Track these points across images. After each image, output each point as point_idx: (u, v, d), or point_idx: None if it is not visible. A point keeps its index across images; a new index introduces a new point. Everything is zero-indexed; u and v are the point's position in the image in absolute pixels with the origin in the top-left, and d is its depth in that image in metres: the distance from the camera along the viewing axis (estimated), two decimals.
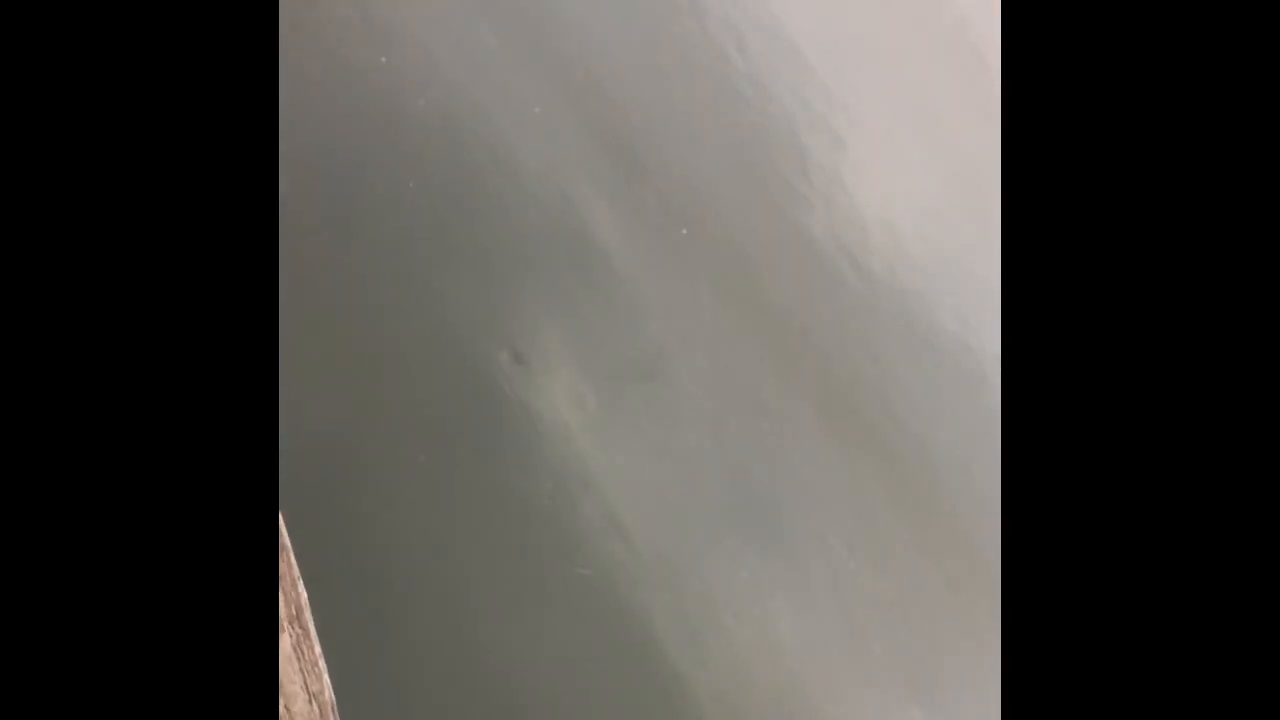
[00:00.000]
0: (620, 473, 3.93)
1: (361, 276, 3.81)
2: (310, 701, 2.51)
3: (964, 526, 4.75)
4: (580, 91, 4.68)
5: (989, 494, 4.87)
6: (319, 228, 3.76)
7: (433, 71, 4.20)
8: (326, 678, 2.54)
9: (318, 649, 2.56)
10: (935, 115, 6.38)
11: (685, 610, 3.81)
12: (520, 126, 4.42)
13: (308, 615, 2.55)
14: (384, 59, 3.98)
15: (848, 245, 5.23)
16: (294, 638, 2.46)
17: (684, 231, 4.58)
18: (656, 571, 3.82)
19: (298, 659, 2.46)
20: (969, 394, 5.20)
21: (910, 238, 5.54)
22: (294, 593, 2.53)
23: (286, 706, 2.39)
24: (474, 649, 3.41)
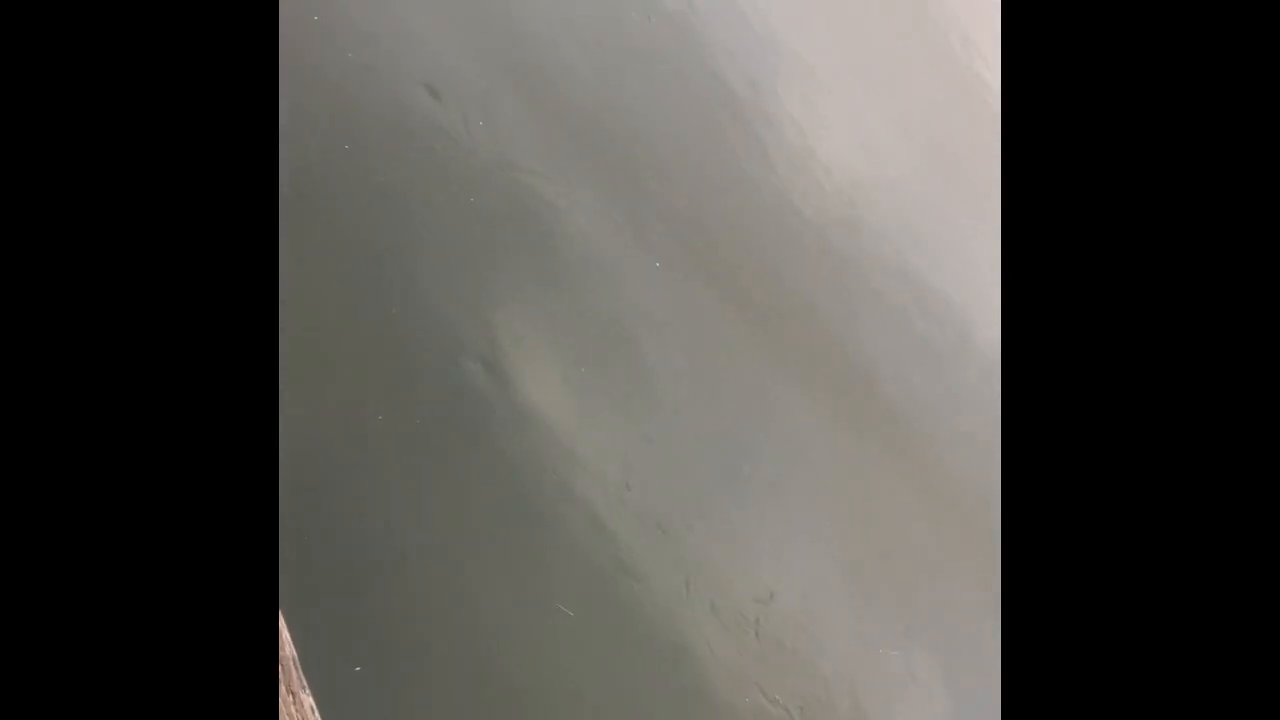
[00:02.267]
0: (605, 451, 3.88)
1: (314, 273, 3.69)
2: None
3: (942, 466, 4.88)
4: (528, 71, 4.59)
5: (963, 435, 5.00)
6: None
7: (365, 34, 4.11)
8: (286, 633, 2.60)
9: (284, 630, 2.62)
10: (896, 81, 6.41)
11: (684, 577, 3.79)
12: (461, 104, 4.34)
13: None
14: (316, 17, 3.90)
15: (803, 204, 5.26)
16: None
17: (657, 265, 4.52)
18: (649, 541, 3.79)
19: None
20: (939, 344, 5.31)
21: (867, 195, 5.59)
22: None
23: None
24: (466, 629, 3.35)
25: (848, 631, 4.12)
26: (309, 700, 2.59)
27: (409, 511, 3.41)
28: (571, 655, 3.46)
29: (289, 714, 2.54)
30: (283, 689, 2.54)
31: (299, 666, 2.59)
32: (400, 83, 4.11)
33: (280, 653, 2.52)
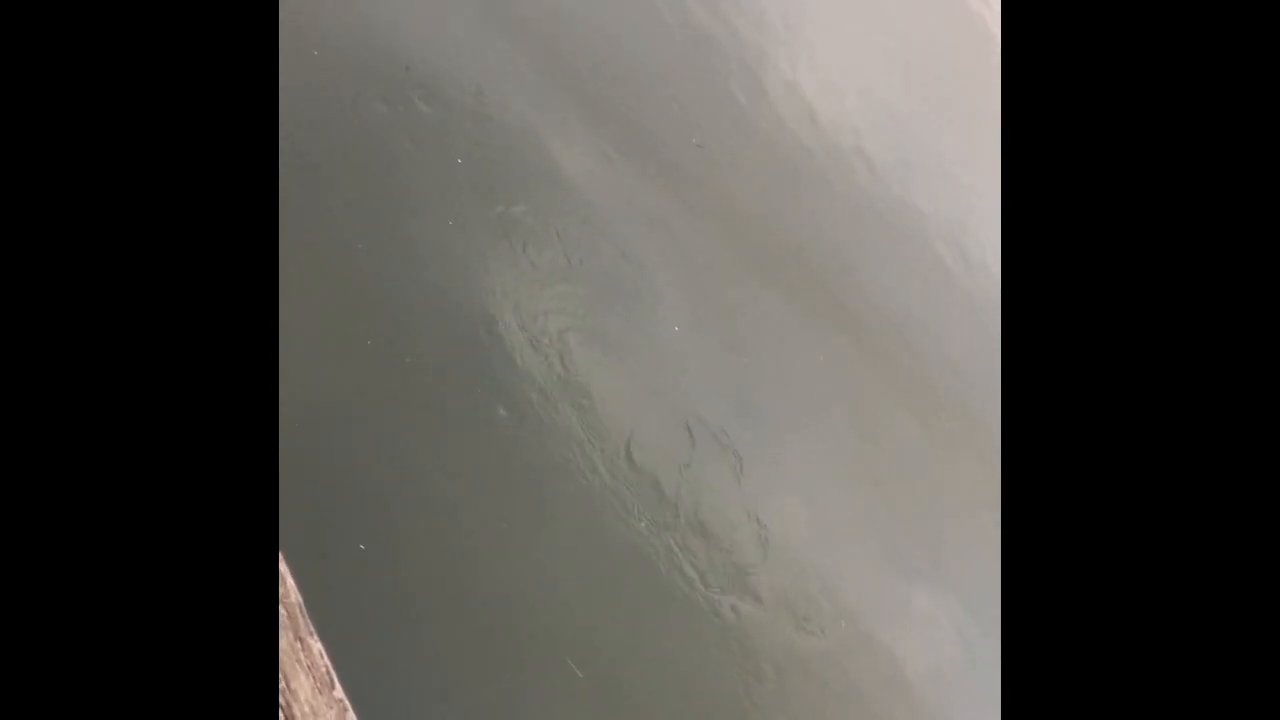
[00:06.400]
0: (609, 390, 3.84)
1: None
2: None
3: (937, 387, 4.87)
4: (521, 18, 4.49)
5: (959, 358, 4.99)
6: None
7: None
8: (291, 580, 2.56)
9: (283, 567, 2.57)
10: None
11: (689, 518, 3.79)
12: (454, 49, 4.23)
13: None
14: None
15: (801, 135, 5.17)
16: None
17: (654, 206, 4.43)
18: (655, 482, 3.78)
19: None
20: (930, 265, 5.28)
21: (864, 123, 5.49)
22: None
23: None
24: (470, 575, 3.34)
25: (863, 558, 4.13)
26: (317, 645, 2.56)
27: (412, 458, 3.38)
28: (585, 603, 3.46)
29: (298, 660, 2.51)
30: (290, 635, 2.51)
31: (305, 612, 2.55)
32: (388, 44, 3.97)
33: (285, 599, 2.48)
